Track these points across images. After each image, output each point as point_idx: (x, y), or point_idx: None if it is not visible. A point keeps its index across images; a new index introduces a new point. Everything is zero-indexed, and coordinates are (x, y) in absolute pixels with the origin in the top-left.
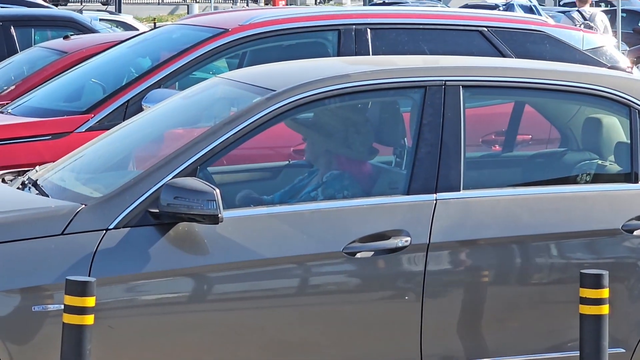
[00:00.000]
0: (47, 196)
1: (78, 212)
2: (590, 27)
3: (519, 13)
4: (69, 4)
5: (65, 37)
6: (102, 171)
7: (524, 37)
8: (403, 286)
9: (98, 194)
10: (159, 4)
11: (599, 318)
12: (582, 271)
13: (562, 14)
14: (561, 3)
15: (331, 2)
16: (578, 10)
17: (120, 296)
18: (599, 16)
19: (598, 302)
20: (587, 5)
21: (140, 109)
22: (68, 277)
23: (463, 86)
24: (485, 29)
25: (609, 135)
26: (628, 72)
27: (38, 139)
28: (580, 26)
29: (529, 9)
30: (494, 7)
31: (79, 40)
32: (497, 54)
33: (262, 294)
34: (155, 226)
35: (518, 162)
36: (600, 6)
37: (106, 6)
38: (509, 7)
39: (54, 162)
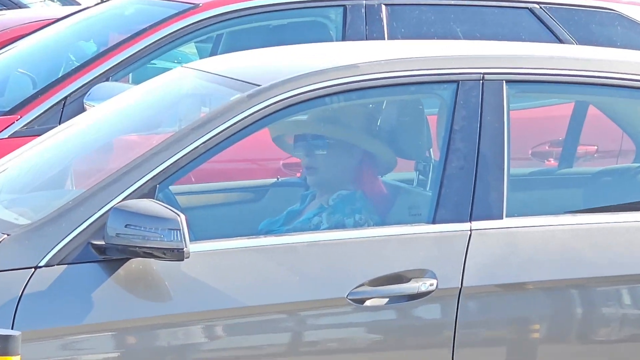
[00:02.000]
0: None
1: None
2: None
3: None
4: None
5: None
6: (31, 190)
7: (588, 16)
8: (427, 344)
9: (25, 220)
10: None
11: None
12: None
13: None
14: None
15: None
16: None
17: (54, 355)
18: None
19: None
20: None
21: (82, 109)
22: None
23: (507, 81)
24: (537, 6)
25: None
26: None
27: None
28: None
29: None
30: None
31: (1, 18)
32: (552, 38)
33: (241, 354)
34: (100, 263)
35: (579, 182)
36: None
37: None
38: None
39: None
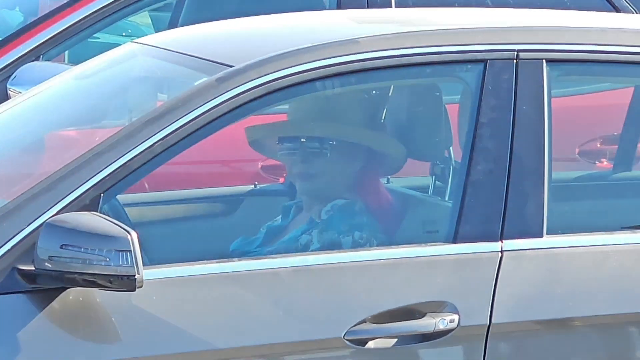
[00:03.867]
0: None
1: None
2: None
3: None
4: None
5: None
6: None
7: None
8: None
9: None
10: None
11: None
12: None
13: None
14: None
15: None
16: None
17: None
18: None
19: None
20: None
21: (5, 96)
22: None
23: (548, 60)
24: None
25: None
26: None
27: None
28: None
29: None
30: None
31: None
32: (606, 6)
33: None
34: (28, 294)
35: None
36: None
37: None
38: None
39: None
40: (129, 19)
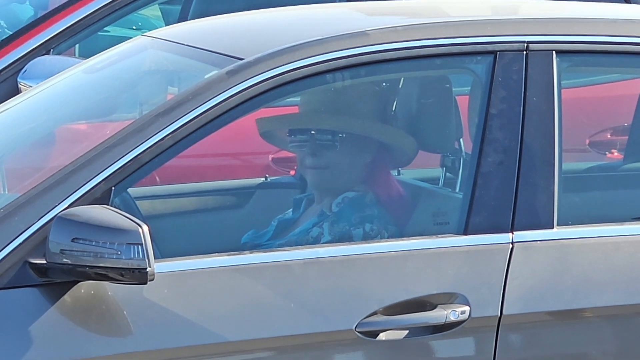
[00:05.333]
0: None
1: None
2: None
3: None
4: None
5: None
6: None
7: None
8: None
9: None
10: None
11: None
12: None
13: None
14: None
15: None
16: None
17: None
18: None
19: None
20: None
21: (16, 90)
22: None
23: (558, 51)
24: None
25: None
26: None
27: None
28: None
29: None
30: None
31: None
32: None
33: None
34: (40, 287)
35: None
36: None
37: None
38: None
39: None
40: (138, 12)
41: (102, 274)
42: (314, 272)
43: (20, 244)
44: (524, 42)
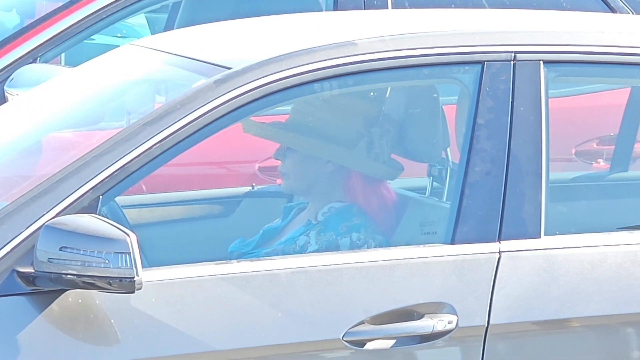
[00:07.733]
0: None
1: None
2: None
3: None
4: None
5: None
6: None
7: None
8: None
9: None
10: None
11: None
12: None
13: None
14: None
15: None
16: None
17: None
18: None
19: None
20: None
21: (3, 98)
22: None
23: (545, 62)
24: None
25: None
26: None
27: None
28: None
29: None
30: None
31: None
32: (602, 7)
33: None
34: (27, 296)
35: (637, 189)
36: None
37: None
38: None
39: None
40: (125, 21)
41: (89, 283)
42: (301, 281)
43: (7, 253)
44: (511, 52)
